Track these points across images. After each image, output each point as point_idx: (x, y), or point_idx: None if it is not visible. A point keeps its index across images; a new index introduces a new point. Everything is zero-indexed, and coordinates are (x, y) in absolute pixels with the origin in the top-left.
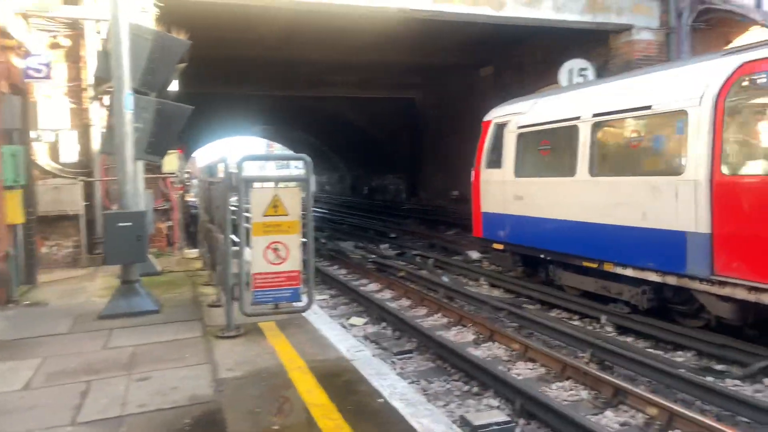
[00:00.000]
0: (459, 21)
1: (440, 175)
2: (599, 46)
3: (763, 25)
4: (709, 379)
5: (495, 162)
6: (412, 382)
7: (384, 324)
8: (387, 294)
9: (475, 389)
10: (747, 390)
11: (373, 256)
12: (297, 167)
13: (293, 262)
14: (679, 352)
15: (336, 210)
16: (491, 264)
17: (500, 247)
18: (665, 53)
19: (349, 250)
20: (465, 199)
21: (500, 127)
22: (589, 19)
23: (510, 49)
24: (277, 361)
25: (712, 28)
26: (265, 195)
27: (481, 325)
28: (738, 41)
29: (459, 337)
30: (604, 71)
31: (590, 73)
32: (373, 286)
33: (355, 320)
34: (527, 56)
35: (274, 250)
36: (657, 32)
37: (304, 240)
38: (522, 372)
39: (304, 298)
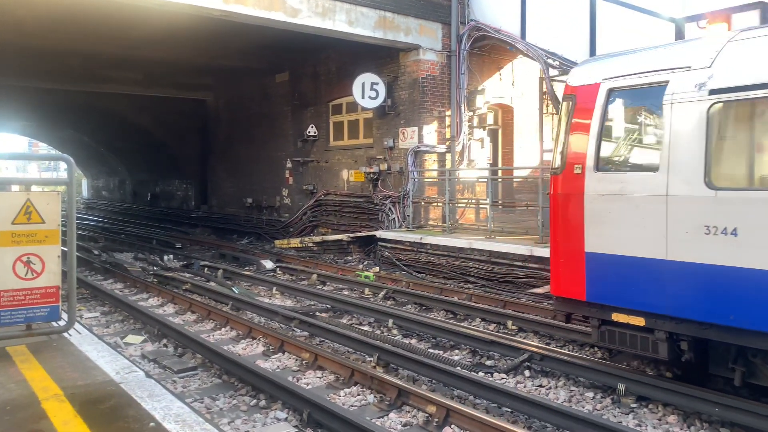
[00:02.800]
0: (252, 24)
1: (233, 181)
2: (390, 63)
3: (526, 54)
4: (481, 374)
5: (628, 161)
6: (195, 401)
7: (165, 341)
8: (170, 308)
9: (263, 403)
10: (510, 382)
11: (156, 268)
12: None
13: (51, 276)
14: (456, 351)
15: (114, 218)
16: (601, 347)
17: (638, 321)
18: (447, 74)
19: (128, 263)
20: (260, 207)
21: (632, 96)
22: (380, 35)
23: (306, 58)
24: (27, 390)
25: (486, 54)
26: (14, 200)
27: (272, 336)
28: (507, 67)
29: (248, 350)
30: (394, 86)
31: (381, 88)
32: (153, 301)
33: (132, 338)
34: (322, 66)
35: (26, 264)
36: (440, 54)
37: (66, 249)
38: (311, 381)
39: (66, 317)
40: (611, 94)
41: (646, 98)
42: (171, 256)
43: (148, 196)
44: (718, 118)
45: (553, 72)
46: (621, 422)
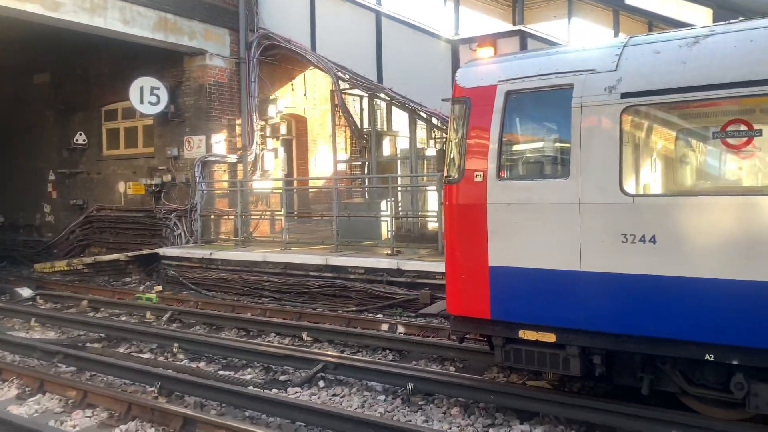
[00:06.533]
0: (1, 15)
1: None
2: (174, 67)
3: (317, 66)
4: (274, 391)
5: (534, 168)
6: None
7: None
8: None
9: None
10: (305, 395)
11: None
12: None
13: None
14: (249, 369)
15: None
16: (507, 366)
17: (548, 338)
18: (237, 82)
19: None
20: (15, 226)
21: (533, 99)
22: (161, 37)
23: (73, 57)
24: None
25: (278, 64)
26: None
27: (28, 376)
28: (299, 78)
29: None
30: (178, 92)
31: (163, 93)
32: None
33: None
34: (93, 67)
35: None
36: (228, 60)
37: None
38: (79, 422)
39: None
40: (509, 96)
41: (549, 101)
42: None
43: None
44: (643, 126)
45: (343, 85)
46: (410, 420)
